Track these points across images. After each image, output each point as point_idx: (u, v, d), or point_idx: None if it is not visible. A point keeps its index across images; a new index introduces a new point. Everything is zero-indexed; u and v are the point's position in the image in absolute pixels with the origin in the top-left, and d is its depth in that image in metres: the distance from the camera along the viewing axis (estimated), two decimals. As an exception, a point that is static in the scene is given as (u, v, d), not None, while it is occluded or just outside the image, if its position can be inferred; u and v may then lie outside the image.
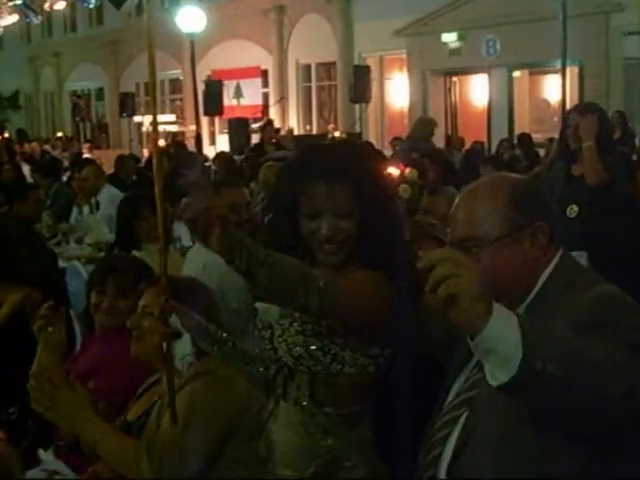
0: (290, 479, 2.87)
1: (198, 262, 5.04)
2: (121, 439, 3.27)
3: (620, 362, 2.00)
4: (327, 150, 3.15)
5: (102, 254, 7.54)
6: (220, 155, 14.56)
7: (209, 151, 19.82)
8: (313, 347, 2.79)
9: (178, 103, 28.43)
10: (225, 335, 3.09)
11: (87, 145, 23.34)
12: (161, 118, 26.86)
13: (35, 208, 8.20)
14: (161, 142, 21.89)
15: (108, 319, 4.07)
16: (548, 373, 1.90)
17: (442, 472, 2.46)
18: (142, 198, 6.40)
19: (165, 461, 3.08)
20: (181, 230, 6.42)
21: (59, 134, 28.07)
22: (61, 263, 7.51)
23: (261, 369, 2.97)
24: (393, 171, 5.12)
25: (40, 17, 19.95)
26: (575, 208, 5.56)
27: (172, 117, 26.95)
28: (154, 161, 2.73)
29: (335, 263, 2.85)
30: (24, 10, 19.02)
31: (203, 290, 3.68)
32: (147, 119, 26.74)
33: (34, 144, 23.76)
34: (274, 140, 18.28)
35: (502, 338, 1.88)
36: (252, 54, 24.90)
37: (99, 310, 4.13)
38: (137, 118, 27.00)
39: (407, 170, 6.10)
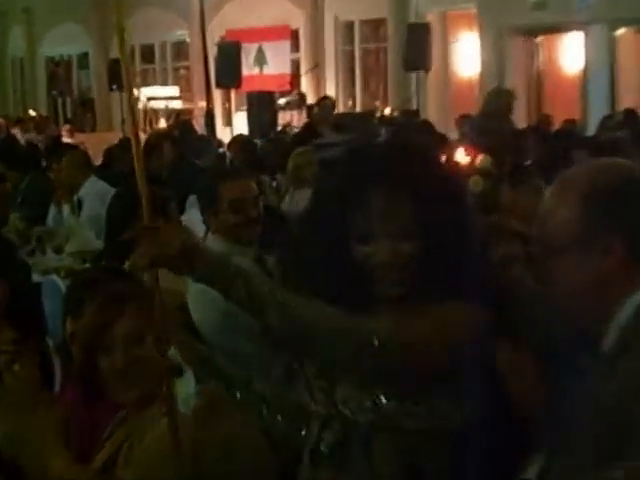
0: None
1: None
2: None
3: None
4: (380, 153, 3.12)
5: (87, 266, 7.60)
6: (237, 139, 14.55)
7: (224, 134, 19.96)
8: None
9: (183, 72, 28.66)
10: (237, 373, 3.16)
11: (67, 127, 23.58)
12: (161, 91, 27.08)
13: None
14: (162, 123, 22.15)
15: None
16: None
17: None
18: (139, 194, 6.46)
19: None
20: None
21: (32, 112, 28.35)
22: (35, 278, 7.44)
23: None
24: (461, 159, 5.13)
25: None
26: None
27: (175, 90, 27.18)
28: (134, 149, 2.80)
29: (397, 295, 2.85)
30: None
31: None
32: (145, 92, 27.04)
33: (-1, 123, 23.98)
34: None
35: None
36: (278, 9, 25.10)
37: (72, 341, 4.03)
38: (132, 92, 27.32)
39: (479, 157, 6.10)
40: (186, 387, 3.44)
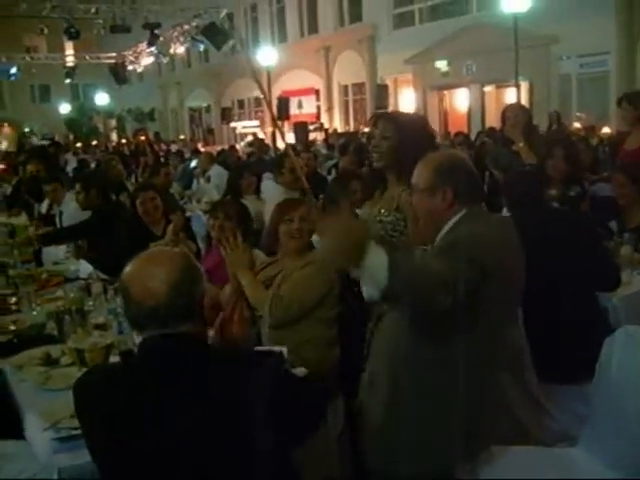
0: None
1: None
2: (258, 288, 3.28)
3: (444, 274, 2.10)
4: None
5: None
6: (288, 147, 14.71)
7: (281, 144, 20.07)
8: None
9: (260, 114, 28.55)
10: None
11: (202, 143, 23.74)
12: (249, 123, 27.22)
13: (166, 179, 7.95)
14: (249, 137, 22.39)
15: (219, 234, 3.98)
16: (398, 287, 2.02)
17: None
18: (242, 169, 6.78)
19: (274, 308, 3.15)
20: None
21: (181, 136, 28.53)
22: (188, 214, 7.53)
23: None
24: None
25: (167, 58, 20.24)
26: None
27: (257, 122, 27.10)
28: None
29: None
30: (156, 54, 19.44)
31: None
32: (239, 124, 27.19)
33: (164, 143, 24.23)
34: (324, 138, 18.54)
35: (375, 267, 2.00)
36: (309, 79, 25.01)
37: (212, 229, 4.11)
38: (232, 124, 27.46)
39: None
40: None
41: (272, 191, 5.56)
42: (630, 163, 5.13)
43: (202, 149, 19.69)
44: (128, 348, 2.83)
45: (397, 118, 3.03)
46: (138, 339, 1.98)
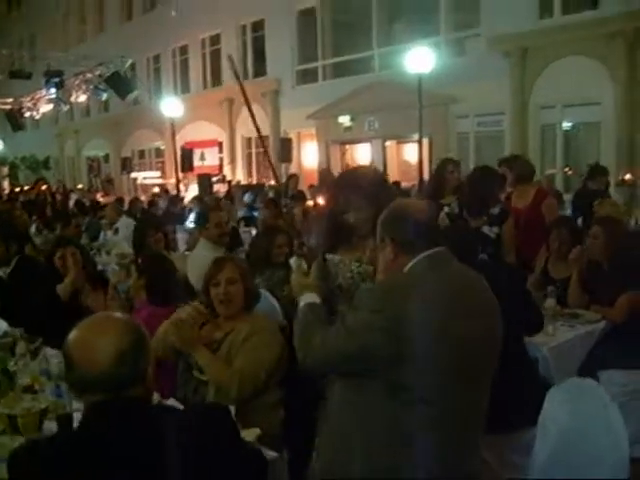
0: None
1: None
2: (219, 369, 3.17)
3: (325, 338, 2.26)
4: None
5: (125, 260, 7.64)
6: (195, 197, 14.66)
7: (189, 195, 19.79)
8: None
9: (160, 165, 28.18)
10: None
11: (101, 193, 23.18)
12: (150, 174, 26.82)
13: (77, 231, 8.08)
14: (156, 189, 22.00)
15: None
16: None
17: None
18: (143, 227, 6.64)
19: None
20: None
21: (79, 185, 27.77)
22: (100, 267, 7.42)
23: None
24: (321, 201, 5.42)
25: (67, 106, 19.70)
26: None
27: (158, 173, 26.71)
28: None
29: None
30: (56, 101, 18.89)
31: None
32: (140, 175, 26.76)
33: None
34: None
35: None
36: (212, 131, 24.95)
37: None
38: (133, 174, 27.01)
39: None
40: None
41: (197, 247, 5.43)
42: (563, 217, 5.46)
43: (101, 199, 19.27)
44: (66, 412, 2.67)
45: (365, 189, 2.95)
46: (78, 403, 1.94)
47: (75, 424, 2.70)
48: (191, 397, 3.12)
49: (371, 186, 2.93)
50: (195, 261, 5.10)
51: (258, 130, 3.79)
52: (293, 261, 3.47)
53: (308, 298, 2.54)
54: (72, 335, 1.83)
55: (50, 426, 2.75)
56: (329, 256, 2.97)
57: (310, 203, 5.09)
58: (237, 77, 3.82)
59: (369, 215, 2.81)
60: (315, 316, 2.46)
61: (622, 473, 2.32)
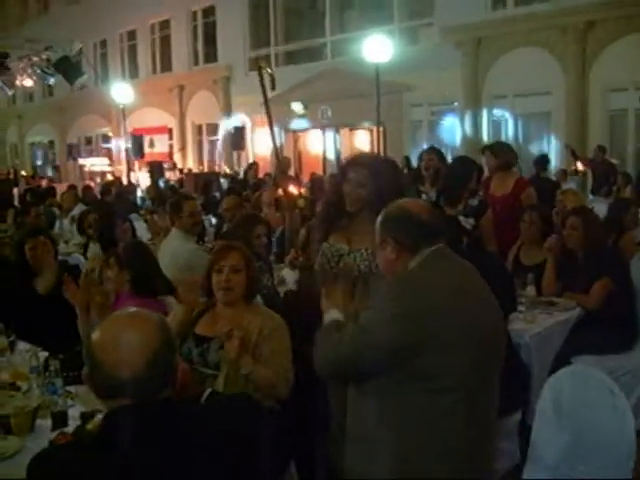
0: None
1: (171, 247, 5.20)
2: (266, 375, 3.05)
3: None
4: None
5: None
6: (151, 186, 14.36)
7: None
8: None
9: (107, 152, 27.49)
10: None
11: (46, 180, 22.58)
12: (97, 161, 26.23)
13: (37, 220, 7.88)
14: (109, 177, 21.56)
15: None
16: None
17: None
18: (111, 217, 6.50)
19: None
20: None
21: (23, 172, 26.96)
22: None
23: None
24: (293, 190, 5.39)
25: (12, 90, 18.96)
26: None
27: (107, 160, 26.09)
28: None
29: None
30: (1, 86, 18.19)
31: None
32: (87, 161, 26.16)
33: None
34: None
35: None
36: (161, 117, 24.57)
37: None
38: (81, 161, 26.43)
39: (303, 190, 6.41)
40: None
41: (170, 237, 5.29)
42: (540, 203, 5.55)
43: (46, 186, 18.75)
44: (61, 409, 2.58)
45: (371, 165, 3.12)
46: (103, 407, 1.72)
47: (71, 423, 2.63)
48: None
49: (378, 164, 3.20)
50: (169, 251, 4.99)
51: (277, 152, 3.78)
52: (285, 272, 3.50)
53: (334, 314, 2.54)
54: (98, 334, 1.65)
55: (41, 424, 2.65)
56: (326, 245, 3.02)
57: (280, 192, 5.01)
58: (264, 91, 3.88)
59: (370, 191, 2.99)
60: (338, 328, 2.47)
61: (631, 457, 2.40)
